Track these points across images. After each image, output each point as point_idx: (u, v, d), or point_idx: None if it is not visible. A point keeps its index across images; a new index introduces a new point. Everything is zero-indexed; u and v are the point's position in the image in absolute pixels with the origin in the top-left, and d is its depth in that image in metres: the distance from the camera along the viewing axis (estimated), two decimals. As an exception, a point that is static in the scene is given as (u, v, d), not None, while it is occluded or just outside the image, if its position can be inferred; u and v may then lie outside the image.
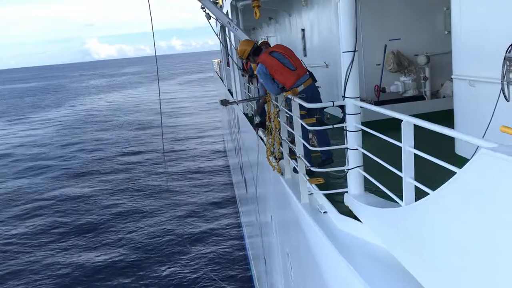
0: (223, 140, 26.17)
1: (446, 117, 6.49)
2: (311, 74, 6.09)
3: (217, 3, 18.43)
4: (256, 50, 6.82)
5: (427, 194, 2.70)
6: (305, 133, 5.43)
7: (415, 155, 3.19)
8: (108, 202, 22.69)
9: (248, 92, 11.89)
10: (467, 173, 2.28)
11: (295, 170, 6.09)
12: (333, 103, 4.67)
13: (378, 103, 9.16)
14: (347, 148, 4.52)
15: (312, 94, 5.98)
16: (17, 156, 36.42)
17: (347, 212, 4.47)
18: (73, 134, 44.52)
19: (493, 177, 2.06)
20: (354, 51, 4.32)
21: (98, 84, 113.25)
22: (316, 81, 6.14)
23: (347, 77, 4.41)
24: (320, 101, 6.00)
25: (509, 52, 4.41)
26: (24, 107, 71.74)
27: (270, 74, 6.05)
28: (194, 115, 50.45)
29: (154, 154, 32.23)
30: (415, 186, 3.22)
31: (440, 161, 2.73)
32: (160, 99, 9.78)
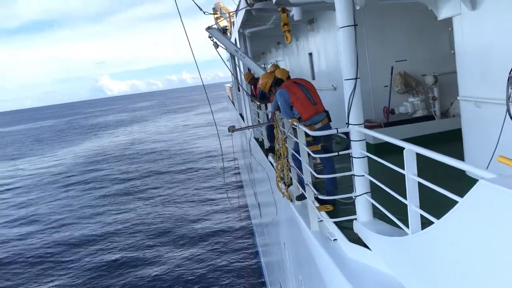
0: (238, 165, 26.27)
1: (457, 137, 6.44)
2: (327, 113, 6.12)
3: (227, 30, 18.77)
4: (278, 82, 6.87)
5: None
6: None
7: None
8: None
9: (258, 117, 11.97)
10: (467, 203, 2.28)
11: (298, 198, 6.09)
12: (337, 130, 4.69)
13: (388, 124, 9.15)
14: (354, 175, 4.52)
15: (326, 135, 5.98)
16: (79, 176, 39.76)
17: (357, 240, 4.43)
18: (101, 164, 45.41)
19: (491, 207, 2.06)
20: (356, 78, 4.35)
21: (119, 118, 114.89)
22: (331, 121, 6.16)
23: (350, 104, 4.42)
24: (331, 141, 6.00)
25: (513, 73, 4.41)
26: (53, 144, 73.10)
27: (290, 102, 6.09)
28: (206, 139, 50.98)
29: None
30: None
31: (442, 189, 2.72)
32: (214, 121, 10.12)
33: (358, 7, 4.78)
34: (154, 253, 19.66)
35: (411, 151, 3.22)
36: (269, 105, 8.61)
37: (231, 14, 17.07)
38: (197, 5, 8.48)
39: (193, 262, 18.39)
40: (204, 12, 9.05)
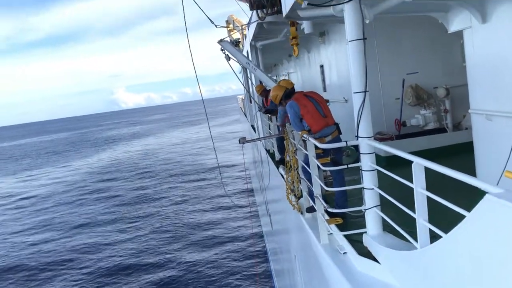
0: (250, 176, 26.37)
1: (469, 149, 6.38)
2: (337, 126, 6.14)
3: (239, 42, 18.91)
4: (288, 95, 6.91)
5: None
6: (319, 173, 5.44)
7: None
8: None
9: (269, 128, 12.01)
10: (474, 217, 2.28)
11: (308, 210, 6.08)
12: (346, 143, 4.70)
13: (399, 137, 9.11)
14: (364, 188, 4.51)
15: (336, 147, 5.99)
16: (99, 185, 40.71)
17: (366, 253, 4.41)
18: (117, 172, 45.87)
19: (498, 222, 2.06)
20: (365, 91, 4.37)
21: (133, 130, 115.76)
22: (341, 134, 6.17)
23: (359, 117, 4.44)
24: (341, 153, 6.01)
25: (523, 86, 4.39)
26: (68, 155, 74.01)
27: (300, 114, 6.12)
28: (217, 150, 51.14)
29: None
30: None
31: (450, 203, 2.71)
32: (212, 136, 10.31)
33: (367, 21, 4.81)
34: (167, 258, 20.25)
35: (419, 164, 3.22)
36: (278, 117, 8.65)
37: (243, 27, 17.22)
38: (209, 19, 8.59)
39: (204, 267, 18.83)
40: (215, 26, 9.16)
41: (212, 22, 8.86)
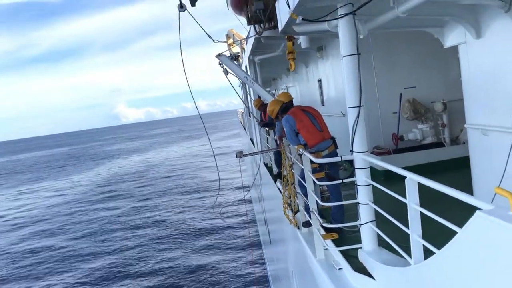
0: (249, 190, 26.37)
1: (467, 164, 6.36)
2: (334, 140, 6.14)
3: (239, 56, 19.00)
4: (285, 109, 6.93)
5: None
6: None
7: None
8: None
9: (267, 142, 12.01)
10: (465, 234, 2.27)
11: (304, 225, 6.04)
12: (341, 157, 4.69)
13: (397, 151, 9.10)
14: (359, 203, 4.49)
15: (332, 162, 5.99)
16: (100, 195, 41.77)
17: (362, 269, 4.38)
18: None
19: (488, 239, 2.04)
20: (360, 106, 4.37)
21: (133, 145, 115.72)
22: (338, 148, 6.17)
23: (354, 131, 4.43)
24: (337, 168, 6.00)
25: (518, 101, 4.39)
26: (69, 169, 74.12)
27: (296, 128, 6.13)
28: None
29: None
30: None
31: (442, 220, 2.70)
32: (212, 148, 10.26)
33: (361, 36, 4.84)
34: (165, 266, 20.65)
35: (412, 180, 3.21)
36: (276, 131, 8.66)
37: (242, 41, 17.32)
38: (207, 34, 8.63)
39: (202, 275, 19.13)
40: (213, 40, 9.21)
41: (210, 37, 8.90)
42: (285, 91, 21.31)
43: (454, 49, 6.24)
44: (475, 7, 5.20)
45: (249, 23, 9.70)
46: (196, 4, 7.10)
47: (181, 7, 6.75)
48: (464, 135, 8.91)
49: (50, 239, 28.83)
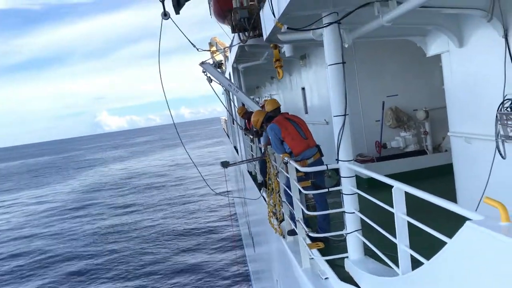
0: (232, 197, 26.27)
1: (449, 171, 6.42)
2: (319, 148, 6.13)
3: (222, 64, 18.98)
4: (269, 119, 6.89)
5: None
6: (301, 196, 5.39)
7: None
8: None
9: (251, 150, 11.96)
10: (454, 245, 2.25)
11: (290, 233, 6.00)
12: (327, 166, 4.67)
13: (380, 159, 9.15)
14: (345, 212, 4.47)
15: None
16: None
17: (348, 278, 4.35)
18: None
19: (478, 250, 2.03)
20: (345, 115, 4.36)
21: (116, 154, 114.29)
22: (323, 156, 6.16)
23: (339, 140, 4.42)
24: (323, 176, 5.98)
25: (501, 110, 4.44)
26: (50, 178, 73.01)
27: (281, 137, 6.10)
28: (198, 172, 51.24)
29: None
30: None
31: (431, 230, 2.68)
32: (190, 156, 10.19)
33: (346, 45, 4.85)
34: (147, 281, 20.14)
35: (399, 189, 3.19)
36: (262, 139, 8.62)
37: (225, 49, 17.30)
38: (191, 42, 8.56)
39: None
40: (197, 49, 9.14)
41: (194, 46, 8.83)
42: (269, 98, 21.31)
43: (436, 58, 6.32)
44: (458, 17, 5.26)
45: (233, 31, 9.68)
46: (180, 12, 7.03)
47: (165, 15, 6.68)
48: (446, 143, 9.01)
49: (30, 247, 28.55)
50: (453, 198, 6.05)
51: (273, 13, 5.00)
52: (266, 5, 5.40)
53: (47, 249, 27.62)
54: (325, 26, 4.43)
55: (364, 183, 7.89)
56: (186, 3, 6.97)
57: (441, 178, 7.63)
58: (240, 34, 9.53)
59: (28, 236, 31.75)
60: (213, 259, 21.82)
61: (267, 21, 5.70)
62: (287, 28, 5.03)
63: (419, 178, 8.07)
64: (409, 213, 3.19)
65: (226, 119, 31.61)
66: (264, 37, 6.26)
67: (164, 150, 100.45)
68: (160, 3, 6.64)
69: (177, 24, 7.26)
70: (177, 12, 6.92)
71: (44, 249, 27.54)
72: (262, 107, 9.82)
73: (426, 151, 9.19)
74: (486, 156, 4.84)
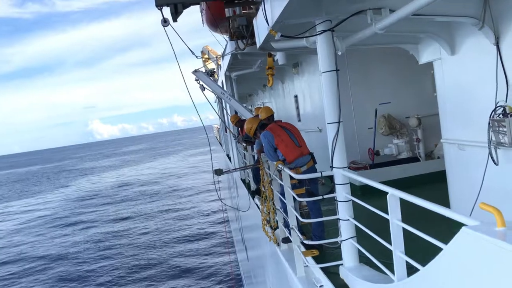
0: (225, 206, 26.20)
1: (442, 178, 6.44)
2: (312, 156, 6.13)
3: (214, 72, 19.00)
4: (262, 126, 6.88)
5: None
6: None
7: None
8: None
9: (244, 158, 11.94)
10: (451, 251, 2.24)
11: (284, 241, 5.98)
12: (321, 173, 4.66)
13: (373, 166, 9.17)
14: (339, 219, 4.46)
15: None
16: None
17: (343, 286, 4.33)
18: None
19: (474, 255, 2.02)
20: (339, 122, 4.37)
21: (108, 162, 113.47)
22: (316, 163, 6.16)
23: (333, 147, 4.42)
24: (317, 183, 5.98)
25: (493, 117, 4.48)
26: (42, 187, 72.40)
27: (275, 144, 6.08)
28: (191, 179, 51.04)
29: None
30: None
31: (426, 236, 2.68)
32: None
33: (339, 53, 4.87)
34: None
35: (394, 196, 3.19)
36: (255, 146, 8.61)
37: (218, 57, 17.33)
38: (190, 50, 8.54)
39: None
40: (196, 57, 9.17)
41: (193, 53, 8.84)
42: (262, 106, 21.34)
43: (428, 65, 6.36)
44: (450, 25, 5.31)
45: (231, 38, 9.69)
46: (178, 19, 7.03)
47: (165, 21, 6.68)
48: (438, 149, 9.06)
49: (21, 255, 28.40)
50: (446, 205, 6.04)
51: (267, 21, 5.02)
52: (260, 13, 5.42)
53: (38, 256, 27.49)
54: (318, 34, 4.46)
55: (357, 190, 7.90)
56: (183, 11, 6.99)
57: (434, 185, 7.65)
58: (239, 41, 9.55)
59: (19, 244, 31.49)
60: (205, 265, 21.81)
61: (261, 29, 5.72)
62: (281, 35, 5.04)
63: (412, 185, 8.09)
64: (403, 220, 3.19)
65: (219, 127, 31.56)
66: (258, 44, 6.27)
67: (156, 159, 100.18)
68: (158, 11, 6.66)
69: (172, 32, 7.26)
70: (175, 20, 6.92)
71: (36, 256, 27.42)
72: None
73: (419, 158, 9.23)
74: (479, 163, 4.86)
